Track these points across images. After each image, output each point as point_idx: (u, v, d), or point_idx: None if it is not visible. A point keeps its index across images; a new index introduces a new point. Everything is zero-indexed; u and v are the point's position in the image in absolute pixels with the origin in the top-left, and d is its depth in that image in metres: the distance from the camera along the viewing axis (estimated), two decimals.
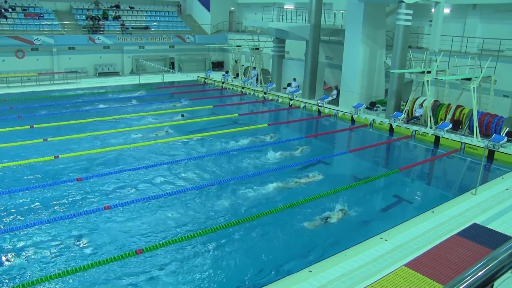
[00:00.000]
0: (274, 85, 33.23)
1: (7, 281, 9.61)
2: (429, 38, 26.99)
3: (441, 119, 23.26)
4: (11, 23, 34.95)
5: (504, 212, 13.45)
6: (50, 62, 35.96)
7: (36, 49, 34.97)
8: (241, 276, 10.11)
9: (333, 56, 32.35)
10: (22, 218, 12.48)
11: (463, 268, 9.49)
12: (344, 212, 13.30)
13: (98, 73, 38.59)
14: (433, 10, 25.86)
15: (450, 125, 22.47)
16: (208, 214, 13.23)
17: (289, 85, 32.09)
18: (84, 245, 11.19)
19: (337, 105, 28.33)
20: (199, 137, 21.09)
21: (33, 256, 10.60)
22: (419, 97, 24.89)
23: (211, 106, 28.20)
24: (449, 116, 22.87)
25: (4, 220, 12.38)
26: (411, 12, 23.91)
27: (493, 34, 25.77)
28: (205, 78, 38.24)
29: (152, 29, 42.44)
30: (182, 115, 24.81)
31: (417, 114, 24.16)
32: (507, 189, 15.48)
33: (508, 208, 13.74)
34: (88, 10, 40.60)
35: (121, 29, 39.81)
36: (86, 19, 39.16)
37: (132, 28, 40.92)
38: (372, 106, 27.12)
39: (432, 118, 22.96)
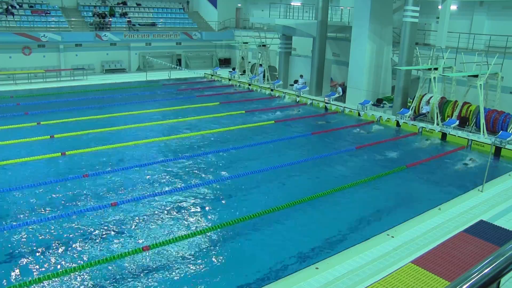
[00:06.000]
0: (281, 82, 33.23)
1: (12, 277, 9.69)
2: (436, 35, 26.89)
3: (448, 116, 23.21)
4: (18, 19, 35.08)
5: (511, 209, 13.42)
6: (57, 59, 36.07)
7: (43, 46, 35.11)
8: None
9: (340, 53, 32.31)
10: (28, 215, 12.57)
11: (470, 265, 9.48)
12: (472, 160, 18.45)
13: (105, 70, 38.68)
14: (440, 6, 25.77)
15: (457, 122, 22.43)
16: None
17: (296, 81, 32.08)
18: (90, 242, 11.26)
19: (344, 102, 28.30)
20: (205, 134, 21.22)
21: (39, 253, 10.69)
22: (426, 94, 24.85)
23: (218, 103, 28.21)
24: (456, 113, 22.81)
25: (10, 216, 12.47)
26: (418, 8, 23.84)
27: (500, 31, 25.65)
28: (212, 75, 38.27)
29: (159, 26, 42.49)
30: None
31: (424, 111, 24.12)
32: None
33: None
34: (95, 7, 40.70)
35: (128, 26, 39.88)
36: (93, 16, 39.24)
37: (139, 25, 40.99)
38: (379, 103, 27.09)
39: (439, 115, 22.93)
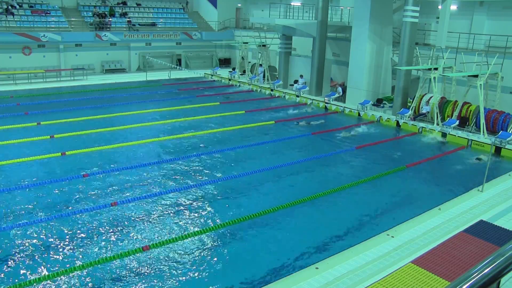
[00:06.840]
0: (281, 82, 33.23)
1: (12, 277, 9.69)
2: (436, 35, 26.87)
3: (448, 116, 23.21)
4: (18, 19, 35.08)
5: (511, 209, 13.42)
6: (57, 59, 36.06)
7: (43, 46, 35.10)
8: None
9: (340, 53, 32.31)
10: (29, 215, 12.57)
11: (470, 265, 9.48)
12: (480, 159, 18.69)
13: (105, 70, 38.67)
14: (440, 6, 25.76)
15: (457, 122, 22.43)
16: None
17: (296, 82, 32.09)
18: (90, 242, 11.27)
19: (344, 102, 28.30)
20: (205, 134, 21.23)
21: (38, 253, 10.70)
22: (426, 94, 24.85)
23: (218, 103, 28.19)
24: (456, 113, 22.81)
25: (10, 216, 12.47)
26: (418, 8, 23.85)
27: (500, 31, 25.65)
28: (212, 75, 38.27)
29: (159, 26, 42.50)
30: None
31: (424, 111, 24.12)
32: None
33: None
34: (95, 7, 40.70)
35: (128, 26, 39.87)
36: (93, 16, 39.24)
37: (139, 25, 40.99)
38: (379, 103, 27.08)
39: (439, 115, 22.93)
